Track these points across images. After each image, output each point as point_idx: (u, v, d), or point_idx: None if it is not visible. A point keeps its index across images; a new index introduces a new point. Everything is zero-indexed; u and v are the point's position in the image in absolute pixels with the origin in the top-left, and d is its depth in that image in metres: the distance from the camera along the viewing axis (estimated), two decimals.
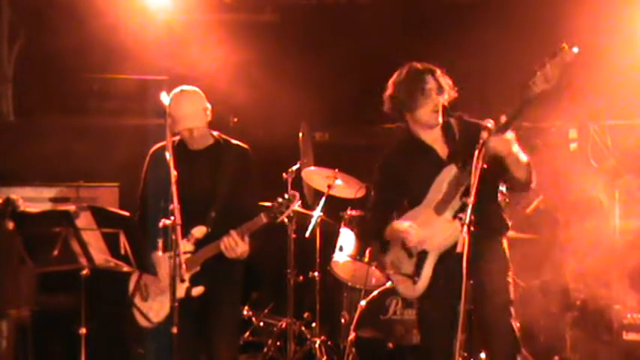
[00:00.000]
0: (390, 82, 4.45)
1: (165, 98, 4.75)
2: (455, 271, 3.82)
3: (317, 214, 6.32)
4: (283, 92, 7.01)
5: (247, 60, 7.00)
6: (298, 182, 6.66)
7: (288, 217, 6.30)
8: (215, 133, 4.84)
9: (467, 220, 3.73)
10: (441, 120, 4.38)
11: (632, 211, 6.43)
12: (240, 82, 7.07)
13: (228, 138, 4.86)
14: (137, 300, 4.71)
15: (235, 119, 7.41)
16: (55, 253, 4.69)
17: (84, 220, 4.66)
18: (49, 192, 6.39)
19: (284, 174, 6.50)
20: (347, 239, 6.36)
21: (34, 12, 7.06)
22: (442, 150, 4.41)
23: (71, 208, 5.06)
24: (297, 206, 6.27)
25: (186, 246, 4.58)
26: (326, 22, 7.59)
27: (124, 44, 6.76)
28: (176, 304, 4.22)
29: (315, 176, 6.53)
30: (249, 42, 7.11)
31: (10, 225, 4.94)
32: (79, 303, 5.37)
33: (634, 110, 6.81)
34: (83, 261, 4.82)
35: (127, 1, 6.97)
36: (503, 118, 4.03)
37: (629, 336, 6.13)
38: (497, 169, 4.15)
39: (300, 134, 6.83)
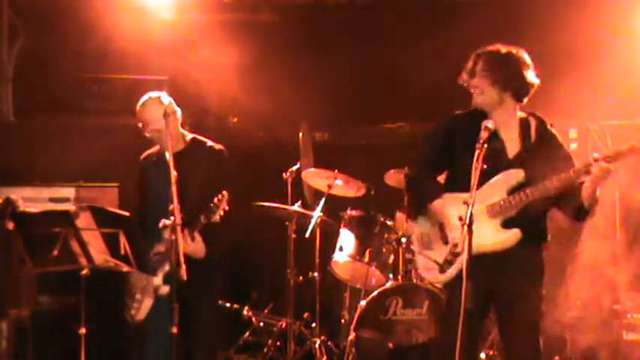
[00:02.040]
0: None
1: (165, 98, 4.77)
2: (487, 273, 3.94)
3: (317, 214, 6.31)
4: (283, 92, 7.01)
5: (247, 60, 6.99)
6: (298, 182, 6.66)
7: (289, 217, 6.34)
8: (190, 135, 4.86)
9: (467, 220, 3.71)
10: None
11: (632, 210, 6.43)
12: (240, 82, 7.07)
13: (204, 139, 4.87)
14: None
15: (235, 119, 7.42)
16: (55, 253, 4.68)
17: (84, 220, 4.65)
18: (49, 192, 6.38)
19: (284, 174, 6.51)
20: (347, 239, 6.36)
21: (34, 12, 7.06)
22: (513, 147, 4.21)
23: (71, 208, 5.06)
24: (297, 206, 6.36)
25: (159, 247, 4.68)
26: (326, 22, 7.58)
27: (123, 44, 6.76)
28: (175, 304, 4.24)
29: (315, 177, 6.53)
30: (249, 42, 7.10)
31: (10, 225, 4.93)
32: (79, 303, 5.36)
33: (634, 110, 6.81)
34: (83, 261, 4.82)
35: (126, 1, 6.97)
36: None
37: (629, 336, 6.13)
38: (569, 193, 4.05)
39: (300, 134, 6.82)
